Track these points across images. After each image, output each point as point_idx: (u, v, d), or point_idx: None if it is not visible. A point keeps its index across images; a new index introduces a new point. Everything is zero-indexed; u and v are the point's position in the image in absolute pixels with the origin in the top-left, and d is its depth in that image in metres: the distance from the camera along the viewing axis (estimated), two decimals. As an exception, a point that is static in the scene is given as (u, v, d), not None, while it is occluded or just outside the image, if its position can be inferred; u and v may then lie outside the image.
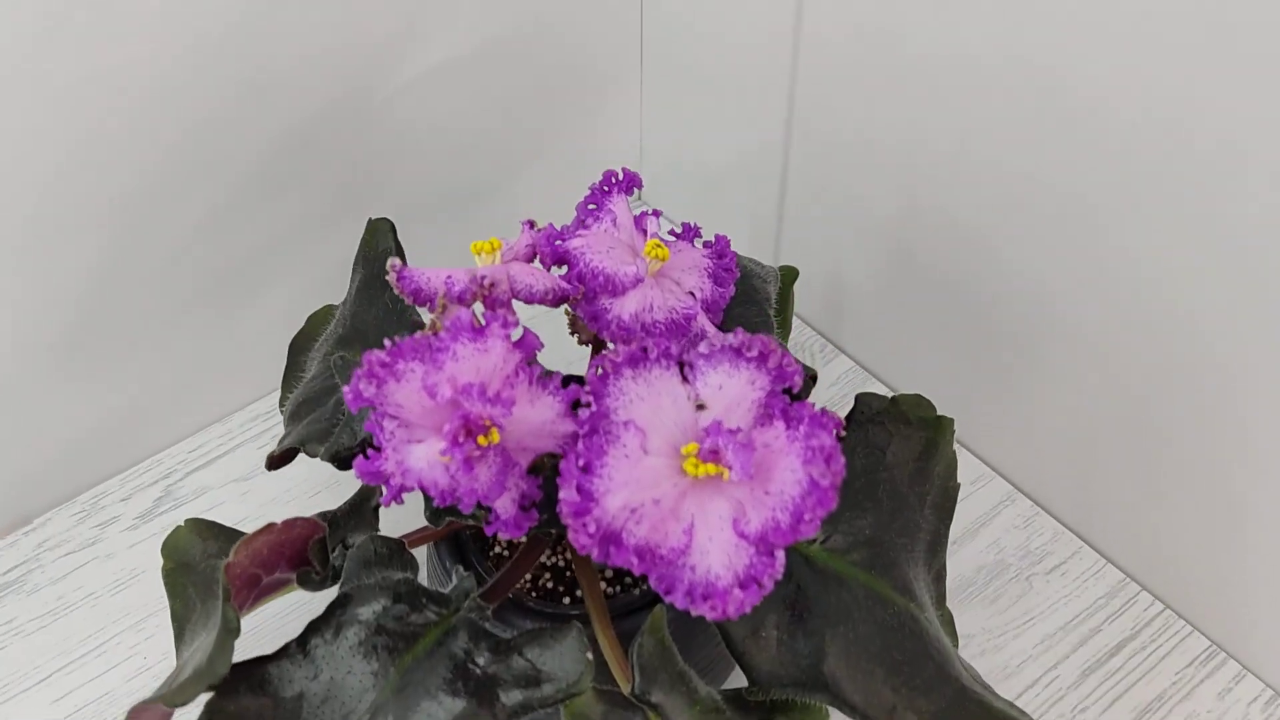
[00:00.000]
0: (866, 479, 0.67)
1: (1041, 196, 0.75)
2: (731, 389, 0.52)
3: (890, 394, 0.67)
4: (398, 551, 0.62)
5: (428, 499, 0.60)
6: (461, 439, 0.50)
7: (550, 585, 0.65)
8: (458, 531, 0.65)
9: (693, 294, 0.60)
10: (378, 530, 0.64)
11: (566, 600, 0.65)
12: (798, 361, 0.52)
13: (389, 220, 0.72)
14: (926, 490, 0.68)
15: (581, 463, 0.50)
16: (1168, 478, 0.77)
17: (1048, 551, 0.81)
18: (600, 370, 0.52)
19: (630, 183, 0.62)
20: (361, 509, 0.68)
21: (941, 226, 0.83)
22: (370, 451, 0.54)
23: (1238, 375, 0.70)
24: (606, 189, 0.62)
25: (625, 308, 0.57)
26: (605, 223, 0.60)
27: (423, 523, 0.66)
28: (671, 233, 0.63)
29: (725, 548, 0.50)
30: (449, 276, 0.56)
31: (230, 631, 0.55)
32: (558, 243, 0.58)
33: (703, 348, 0.52)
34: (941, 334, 0.83)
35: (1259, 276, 0.66)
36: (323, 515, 0.68)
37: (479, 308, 0.54)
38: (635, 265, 0.58)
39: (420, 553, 0.66)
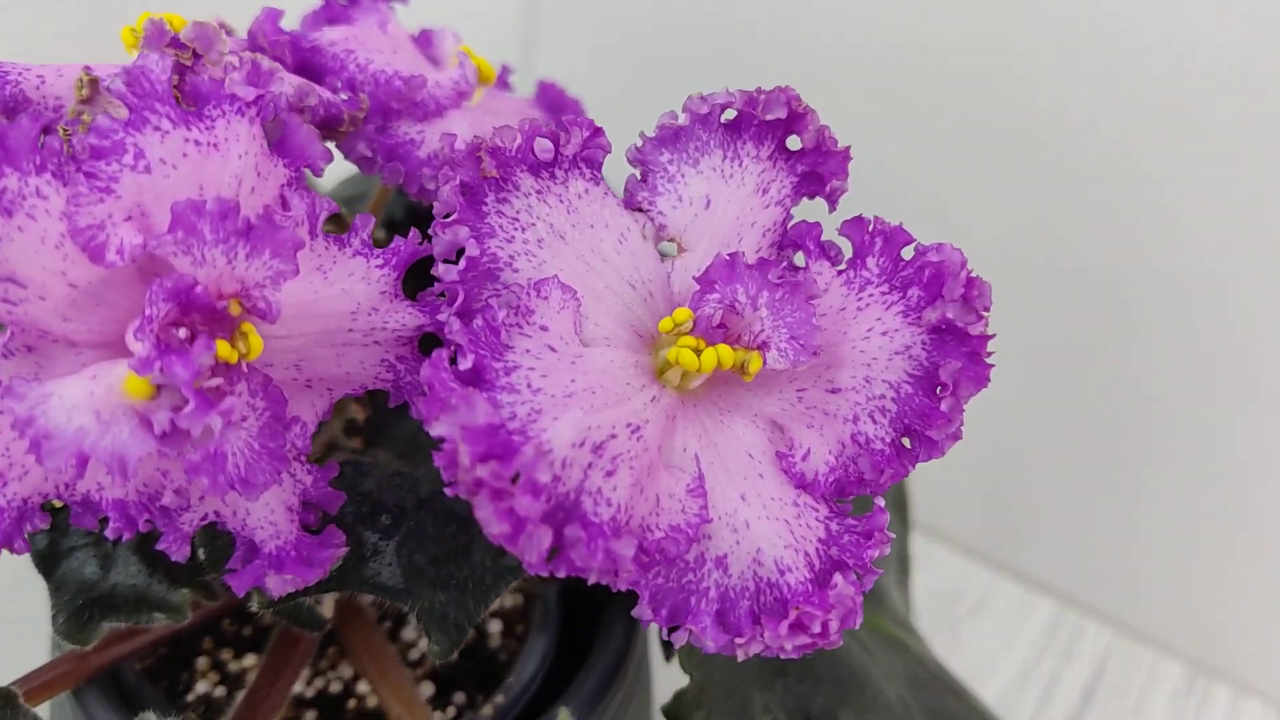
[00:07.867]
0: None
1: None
2: (728, 203, 0.27)
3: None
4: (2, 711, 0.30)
5: (51, 559, 0.29)
6: (177, 340, 0.21)
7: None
8: (118, 667, 0.34)
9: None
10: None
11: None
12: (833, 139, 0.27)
13: None
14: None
15: (466, 363, 0.22)
16: (1104, 476, 0.59)
17: (960, 590, 0.60)
18: (465, 183, 0.24)
19: (391, -17, 0.36)
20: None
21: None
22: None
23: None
24: (351, -2, 0.35)
25: (452, 133, 0.30)
26: (369, 23, 0.34)
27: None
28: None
29: (776, 510, 0.24)
30: (87, 67, 0.27)
31: None
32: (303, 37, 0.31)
33: (665, 120, 0.26)
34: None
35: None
36: None
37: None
38: (454, 71, 0.31)
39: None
